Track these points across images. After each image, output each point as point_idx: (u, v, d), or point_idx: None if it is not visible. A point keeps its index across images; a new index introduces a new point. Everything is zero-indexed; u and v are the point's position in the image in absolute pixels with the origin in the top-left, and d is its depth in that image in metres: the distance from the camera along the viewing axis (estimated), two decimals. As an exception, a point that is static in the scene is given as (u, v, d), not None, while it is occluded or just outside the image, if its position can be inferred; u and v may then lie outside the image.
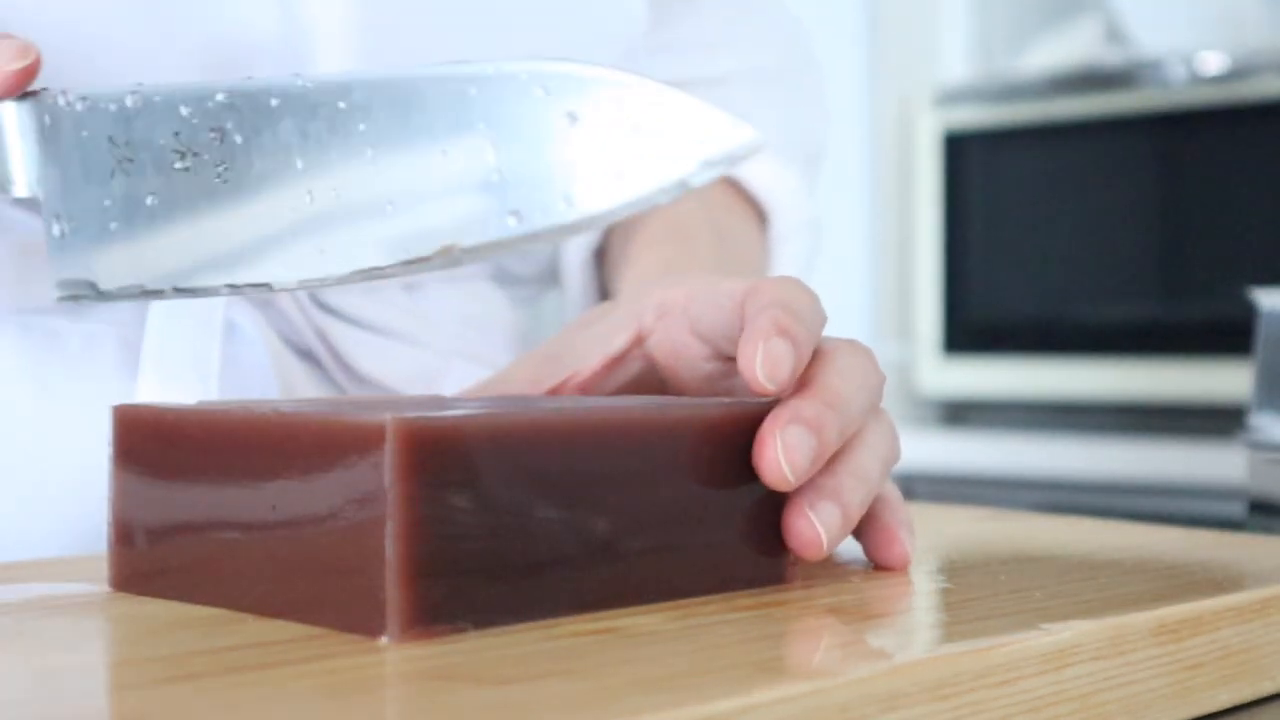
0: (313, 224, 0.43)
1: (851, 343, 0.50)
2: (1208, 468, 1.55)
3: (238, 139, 0.43)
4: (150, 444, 0.46)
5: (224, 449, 0.43)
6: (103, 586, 0.47)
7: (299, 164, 0.42)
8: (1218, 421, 1.63)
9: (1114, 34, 1.93)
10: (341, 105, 0.42)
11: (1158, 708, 0.43)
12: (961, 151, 1.88)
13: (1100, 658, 0.41)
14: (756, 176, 0.76)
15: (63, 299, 0.48)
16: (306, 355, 0.69)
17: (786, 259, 0.77)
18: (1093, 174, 1.81)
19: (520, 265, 0.80)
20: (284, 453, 0.41)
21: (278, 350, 0.67)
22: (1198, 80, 1.72)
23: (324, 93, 0.42)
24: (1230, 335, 1.59)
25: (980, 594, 0.47)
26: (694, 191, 0.73)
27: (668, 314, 0.54)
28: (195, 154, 0.44)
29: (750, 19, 0.84)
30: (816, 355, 0.49)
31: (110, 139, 0.45)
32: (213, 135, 0.44)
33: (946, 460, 1.76)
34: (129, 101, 0.45)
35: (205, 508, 0.44)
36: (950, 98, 1.89)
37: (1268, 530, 0.64)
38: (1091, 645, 0.41)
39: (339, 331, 0.69)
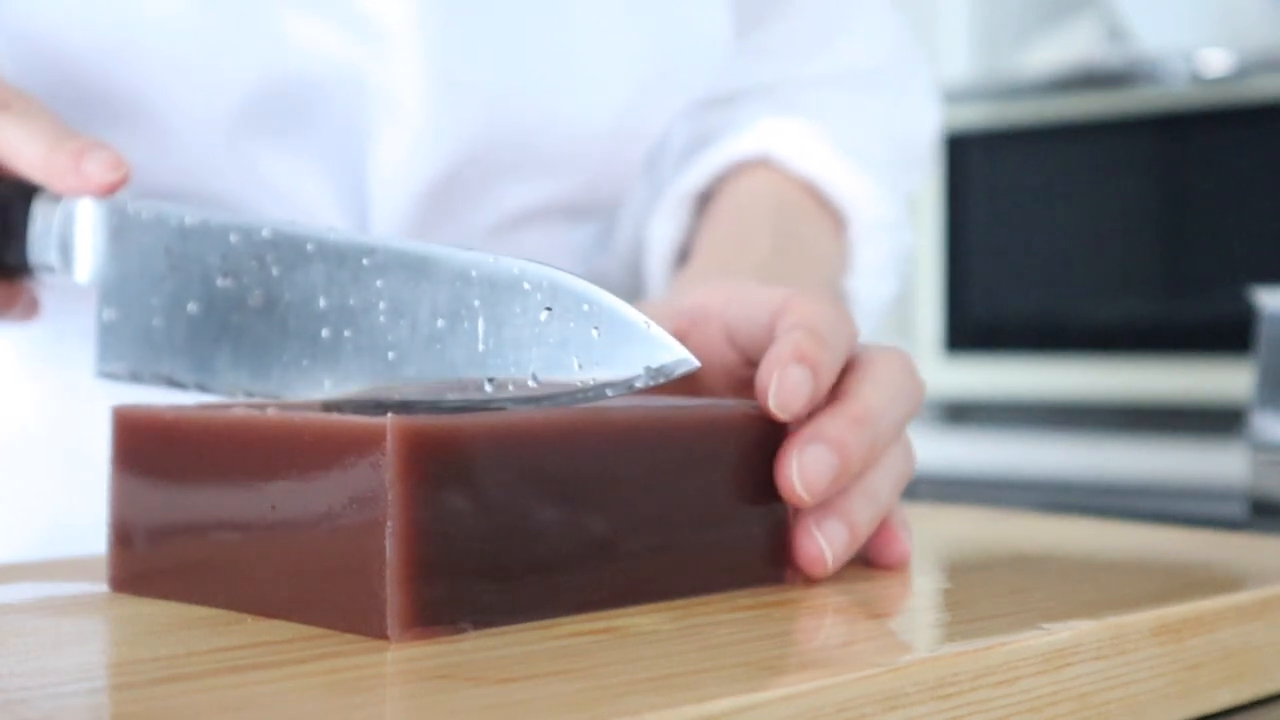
0: (324, 355, 0.48)
1: (891, 351, 0.50)
2: (1208, 468, 1.55)
3: (274, 271, 0.49)
4: (150, 445, 0.46)
5: (224, 450, 0.43)
6: (103, 587, 0.47)
7: (321, 303, 0.48)
8: (1218, 421, 1.63)
9: (1115, 33, 1.93)
10: (365, 262, 0.47)
11: (1158, 707, 0.43)
12: (962, 151, 1.88)
13: (1100, 657, 0.41)
14: (834, 180, 0.75)
15: (101, 375, 0.53)
16: None
17: (864, 263, 0.76)
18: (1093, 174, 1.81)
19: (608, 278, 0.80)
20: (284, 453, 0.41)
21: None
22: (1198, 80, 1.72)
23: (352, 248, 0.47)
24: (1230, 335, 1.59)
25: (980, 594, 0.47)
26: (767, 193, 0.73)
27: (703, 318, 0.54)
28: (236, 276, 0.50)
29: (848, 22, 0.83)
30: (853, 364, 0.49)
31: (167, 249, 0.52)
32: (254, 263, 0.49)
33: (947, 460, 1.75)
34: (188, 220, 0.51)
35: (205, 508, 0.44)
36: (951, 97, 1.89)
37: (1268, 530, 0.64)
38: (1092, 645, 0.41)
39: None
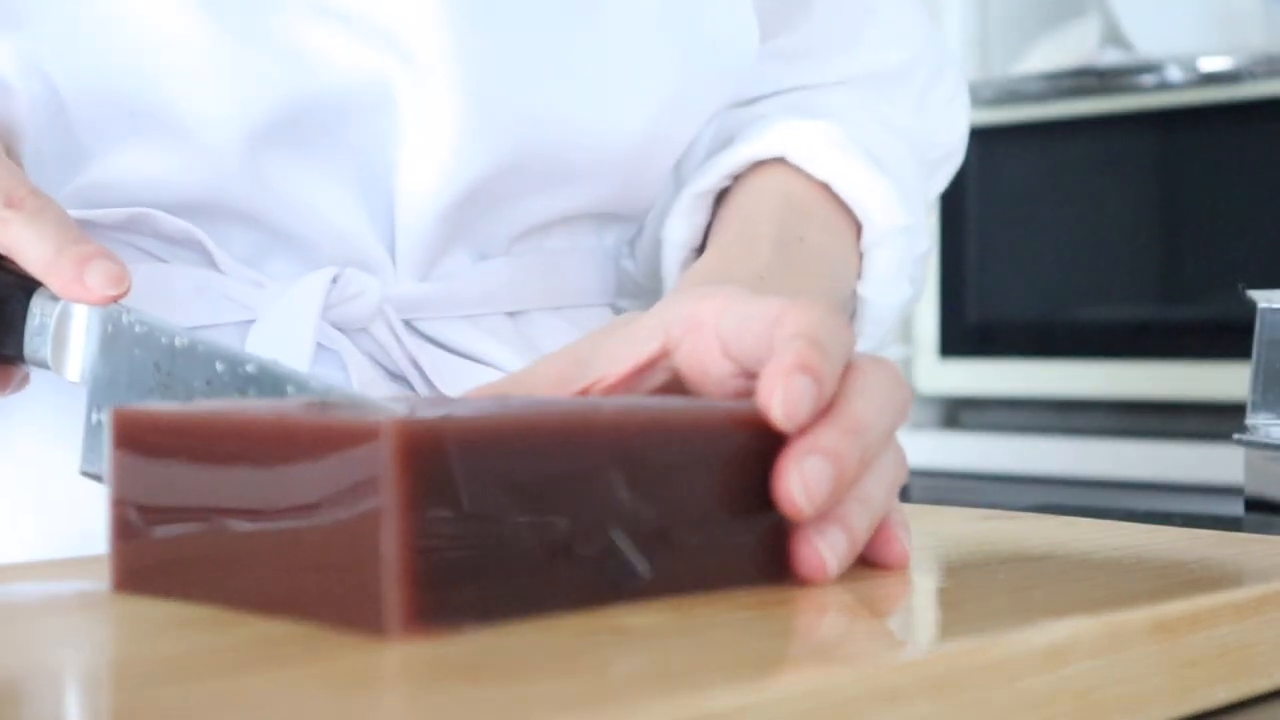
0: None
1: (879, 361, 0.50)
2: (1206, 467, 1.55)
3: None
4: (149, 445, 0.46)
5: (223, 449, 0.43)
6: (104, 586, 0.47)
7: None
8: (1216, 421, 1.63)
9: (1113, 35, 1.93)
10: None
11: (1156, 705, 0.43)
12: (960, 152, 1.88)
13: (1098, 655, 0.41)
14: (849, 183, 0.74)
15: (84, 474, 0.55)
16: (398, 378, 0.70)
17: (878, 268, 0.76)
18: (1092, 174, 1.81)
19: (629, 287, 0.80)
20: (282, 452, 0.41)
21: (367, 372, 0.68)
22: (1197, 80, 1.72)
23: (333, 396, 0.48)
24: (1230, 335, 1.59)
25: (979, 592, 0.47)
26: (776, 194, 0.73)
27: (697, 329, 0.53)
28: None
29: (871, 23, 0.83)
30: (843, 374, 0.49)
31: (156, 364, 0.53)
32: (236, 394, 0.51)
33: (944, 460, 1.76)
34: (178, 341, 0.52)
35: (204, 507, 0.44)
36: (949, 98, 1.89)
37: (1265, 529, 0.64)
38: (1090, 642, 0.41)
39: (434, 356, 0.70)
